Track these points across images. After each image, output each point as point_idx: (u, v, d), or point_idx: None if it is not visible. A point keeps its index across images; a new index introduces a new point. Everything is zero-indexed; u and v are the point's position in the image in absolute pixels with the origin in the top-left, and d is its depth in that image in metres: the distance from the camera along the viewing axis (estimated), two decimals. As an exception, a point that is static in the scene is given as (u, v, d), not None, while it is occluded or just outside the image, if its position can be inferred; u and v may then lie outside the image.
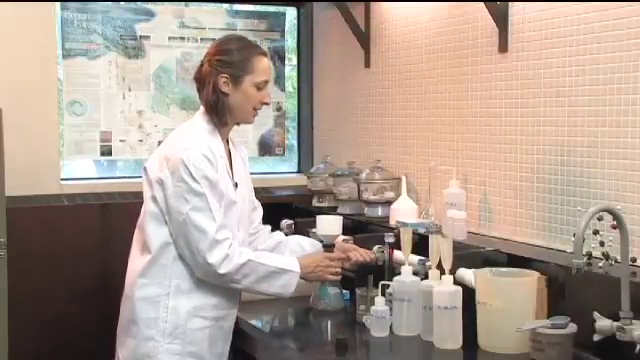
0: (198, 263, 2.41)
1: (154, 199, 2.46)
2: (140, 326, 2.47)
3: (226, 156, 2.54)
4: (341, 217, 2.82)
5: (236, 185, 2.55)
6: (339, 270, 2.64)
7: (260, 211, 2.78)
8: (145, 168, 2.52)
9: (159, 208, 2.45)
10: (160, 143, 3.87)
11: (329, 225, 2.75)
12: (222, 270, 2.40)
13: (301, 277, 2.54)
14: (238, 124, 2.59)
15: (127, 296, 2.53)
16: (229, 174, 2.52)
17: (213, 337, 2.52)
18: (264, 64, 2.52)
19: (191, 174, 2.39)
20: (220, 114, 2.51)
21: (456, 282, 2.37)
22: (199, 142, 2.45)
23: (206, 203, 2.39)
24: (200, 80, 2.54)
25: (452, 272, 2.36)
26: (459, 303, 2.30)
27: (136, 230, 2.57)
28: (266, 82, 2.53)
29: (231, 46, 2.52)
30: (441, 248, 2.38)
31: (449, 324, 2.29)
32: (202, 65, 2.54)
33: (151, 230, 2.47)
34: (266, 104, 2.56)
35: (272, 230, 2.84)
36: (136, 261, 2.52)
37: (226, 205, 2.47)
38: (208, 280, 2.45)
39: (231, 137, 2.64)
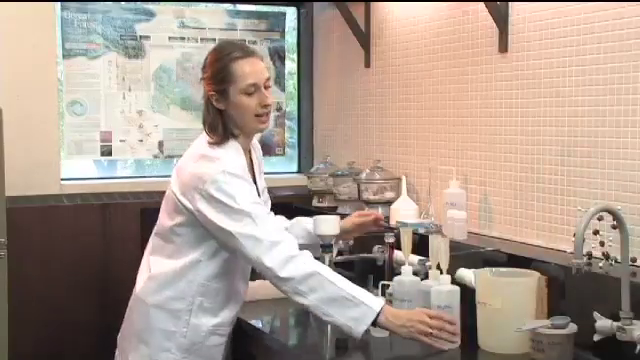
0: (263, 273, 2.31)
1: (189, 220, 2.38)
2: (157, 336, 2.43)
3: (249, 168, 2.46)
4: (338, 217, 2.82)
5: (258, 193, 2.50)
6: (445, 336, 2.22)
7: (269, 205, 2.74)
8: (174, 186, 2.43)
9: (194, 228, 2.38)
10: (160, 143, 3.90)
11: (326, 225, 2.74)
12: (284, 273, 2.24)
13: (389, 328, 2.23)
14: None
15: (141, 300, 2.47)
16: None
17: (225, 349, 2.53)
18: (244, 68, 2.37)
19: (233, 197, 2.29)
20: (224, 131, 2.41)
21: (456, 282, 2.38)
22: (233, 162, 2.36)
23: (252, 219, 2.28)
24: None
25: (449, 272, 2.36)
26: (457, 302, 2.30)
27: (156, 237, 2.50)
28: (254, 85, 2.37)
29: (208, 60, 2.43)
30: (439, 247, 2.38)
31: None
32: None
33: (181, 247, 2.41)
34: (266, 106, 2.42)
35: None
36: (159, 269, 2.45)
37: None
38: (279, 290, 2.31)
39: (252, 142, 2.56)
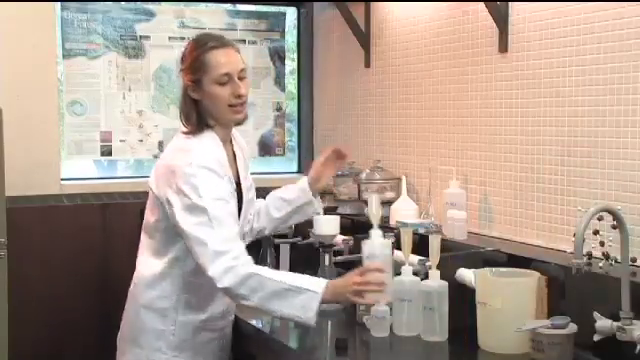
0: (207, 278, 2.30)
1: (164, 214, 2.39)
2: (148, 336, 2.44)
3: (228, 161, 2.46)
4: (338, 217, 2.82)
5: (238, 185, 2.49)
6: (372, 287, 2.26)
7: (253, 201, 2.70)
8: (151, 180, 2.46)
9: (169, 223, 2.37)
10: (160, 143, 3.90)
11: (326, 225, 2.75)
12: (222, 284, 2.24)
13: (334, 302, 2.35)
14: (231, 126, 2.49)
15: (132, 301, 2.50)
16: (231, 180, 2.44)
17: (219, 345, 2.53)
18: (217, 58, 2.37)
19: (196, 189, 2.29)
20: (199, 121, 2.42)
21: (456, 282, 2.39)
22: (204, 155, 2.36)
23: (209, 217, 2.27)
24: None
25: (448, 271, 2.38)
26: (385, 252, 2.37)
27: (143, 234, 2.51)
28: (226, 75, 2.36)
29: (185, 50, 2.45)
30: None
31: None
32: None
33: (162, 244, 2.43)
34: (240, 96, 2.39)
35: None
36: (146, 269, 2.47)
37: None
38: (226, 296, 2.35)
39: (234, 133, 2.57)
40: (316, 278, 2.33)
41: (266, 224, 2.71)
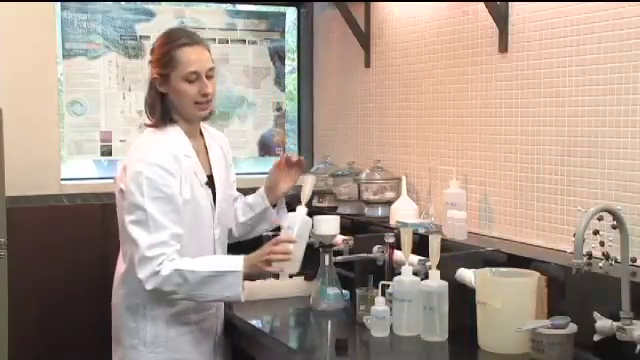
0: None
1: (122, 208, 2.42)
2: (125, 334, 2.48)
3: (195, 154, 2.47)
4: (338, 217, 2.82)
5: (210, 179, 2.50)
6: (278, 257, 2.35)
7: (233, 196, 2.72)
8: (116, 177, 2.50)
9: None
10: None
11: (327, 225, 2.75)
12: (148, 286, 2.31)
13: (255, 276, 2.44)
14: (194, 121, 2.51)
15: (113, 303, 2.55)
16: (196, 174, 2.46)
17: (197, 340, 2.52)
18: (188, 55, 2.39)
19: (140, 186, 2.32)
20: (163, 115, 2.46)
21: (456, 282, 2.39)
22: (156, 151, 2.38)
23: (146, 217, 2.31)
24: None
25: (448, 271, 2.39)
26: (297, 223, 2.39)
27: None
28: (195, 73, 2.39)
29: (156, 43, 2.48)
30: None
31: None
32: None
33: (124, 241, 2.45)
34: (206, 95, 2.42)
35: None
36: (118, 267, 2.53)
37: (193, 210, 2.41)
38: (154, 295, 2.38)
39: (206, 127, 2.60)
40: (234, 257, 2.38)
41: (233, 227, 2.72)
